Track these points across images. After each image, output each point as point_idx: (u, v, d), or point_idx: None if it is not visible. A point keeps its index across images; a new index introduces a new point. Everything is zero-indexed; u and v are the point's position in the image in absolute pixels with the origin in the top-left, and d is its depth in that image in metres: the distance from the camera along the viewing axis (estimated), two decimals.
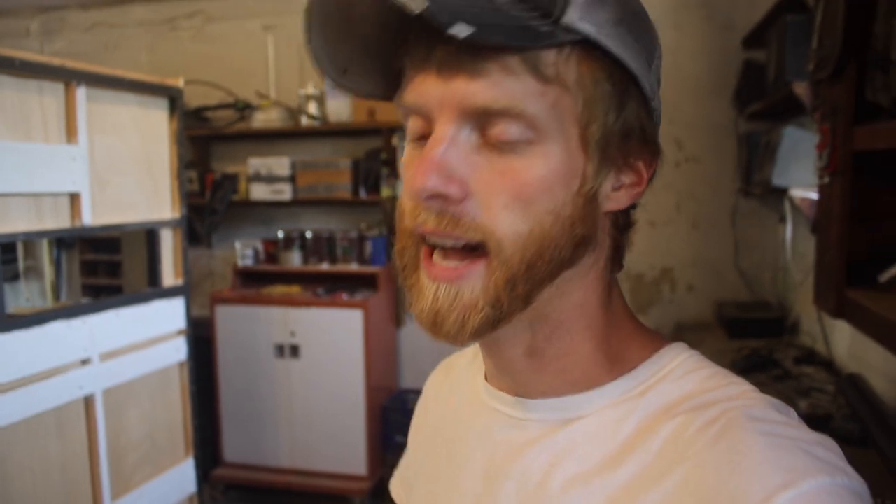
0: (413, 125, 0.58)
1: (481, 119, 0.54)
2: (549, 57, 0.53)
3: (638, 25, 0.57)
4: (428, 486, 0.74)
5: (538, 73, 0.53)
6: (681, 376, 0.60)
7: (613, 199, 0.59)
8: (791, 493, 0.47)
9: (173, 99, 2.54)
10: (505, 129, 0.53)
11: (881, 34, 0.98)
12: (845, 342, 2.35)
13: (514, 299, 0.56)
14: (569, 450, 0.60)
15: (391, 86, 0.60)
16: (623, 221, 0.62)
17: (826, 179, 1.41)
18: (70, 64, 2.07)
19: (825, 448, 0.51)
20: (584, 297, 0.61)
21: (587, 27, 0.53)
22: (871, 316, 1.22)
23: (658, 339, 0.65)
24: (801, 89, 2.18)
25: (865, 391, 2.03)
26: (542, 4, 0.52)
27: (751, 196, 3.46)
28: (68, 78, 2.07)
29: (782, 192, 2.77)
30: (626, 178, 0.59)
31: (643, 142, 0.59)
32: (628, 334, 0.64)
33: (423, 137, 0.57)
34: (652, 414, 0.58)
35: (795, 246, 2.96)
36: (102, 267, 3.99)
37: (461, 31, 0.48)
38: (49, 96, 2.03)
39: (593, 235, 0.59)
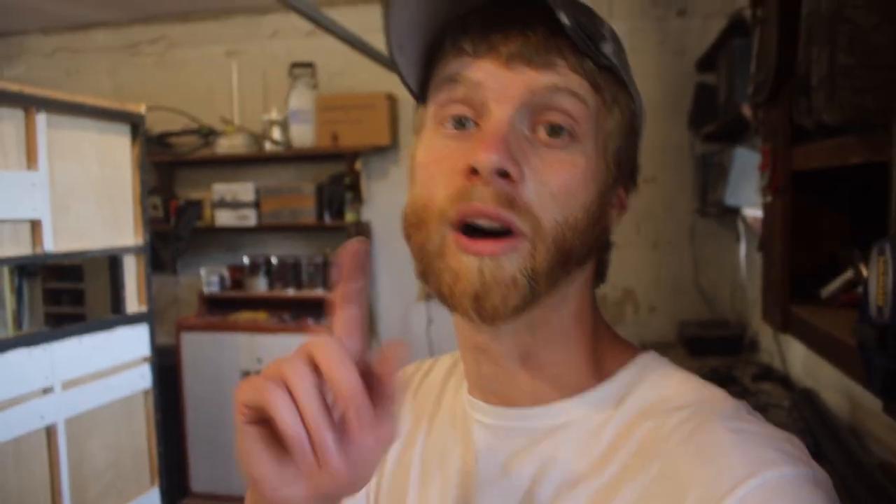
0: (451, 109, 0.61)
1: (537, 109, 0.59)
2: (598, 71, 0.60)
3: (629, 68, 0.65)
4: (397, 493, 0.73)
5: (594, 80, 0.60)
6: (656, 381, 0.64)
7: (609, 214, 0.65)
8: (756, 481, 0.52)
9: (135, 125, 2.54)
10: (559, 117, 0.59)
11: (803, 61, 1.04)
12: (800, 358, 2.41)
13: (550, 283, 0.59)
14: (555, 457, 0.63)
15: (420, 82, 0.65)
16: (606, 239, 0.68)
17: (769, 198, 1.47)
18: (29, 90, 2.07)
19: (790, 443, 0.56)
20: (579, 304, 0.66)
21: (616, 61, 0.61)
22: (813, 330, 1.27)
23: (632, 347, 0.70)
24: (748, 111, 2.26)
25: (818, 406, 2.08)
26: (590, 30, 0.59)
27: (708, 216, 3.54)
28: (28, 104, 2.07)
29: (736, 212, 2.84)
30: (615, 200, 0.65)
31: (630, 171, 0.67)
32: (608, 342, 0.68)
33: (459, 126, 0.61)
34: (631, 417, 0.62)
35: (750, 264, 3.04)
36: (66, 295, 3.94)
37: (564, 19, 0.55)
38: (8, 122, 2.03)
39: (600, 239, 0.64)
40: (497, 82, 0.58)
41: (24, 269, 2.84)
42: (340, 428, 0.48)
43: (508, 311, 0.58)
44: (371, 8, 3.81)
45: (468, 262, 0.57)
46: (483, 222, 0.57)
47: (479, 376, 0.68)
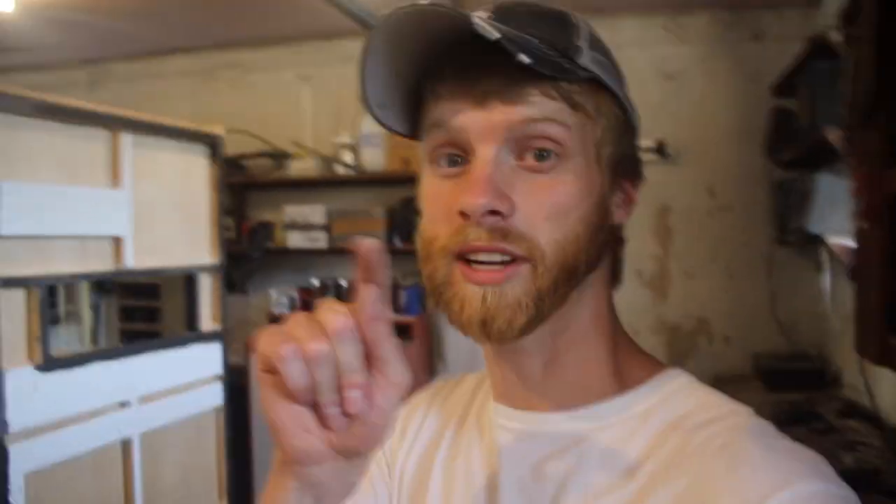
0: (441, 151, 0.64)
1: (520, 140, 0.61)
2: (575, 88, 0.61)
3: (614, 67, 0.66)
4: (419, 494, 0.74)
5: (570, 100, 0.61)
6: (685, 396, 0.65)
7: (616, 214, 0.67)
8: (786, 493, 0.52)
9: (214, 146, 2.61)
10: (542, 143, 0.61)
11: None
12: (891, 394, 2.30)
13: (556, 299, 0.62)
14: (582, 466, 0.64)
15: (412, 125, 0.67)
16: (619, 236, 0.70)
17: (863, 225, 1.40)
18: (117, 111, 2.15)
19: (819, 461, 0.57)
20: (597, 306, 0.68)
21: (594, 68, 0.62)
22: None
23: (656, 361, 0.71)
24: (835, 135, 2.18)
25: None
26: (563, 47, 0.61)
27: (787, 244, 3.42)
28: (115, 125, 2.14)
29: (818, 240, 2.74)
30: (621, 197, 0.68)
31: (632, 166, 0.69)
32: (629, 352, 0.70)
33: (453, 163, 0.64)
34: (659, 430, 0.63)
35: (834, 294, 2.92)
36: (140, 312, 4.05)
37: (524, 58, 0.56)
38: (97, 143, 2.10)
39: (609, 241, 0.67)
40: (476, 123, 0.61)
41: (102, 286, 2.92)
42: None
43: (515, 332, 0.61)
44: None
45: (472, 291, 0.61)
46: (483, 257, 0.60)
47: (503, 382, 0.71)
